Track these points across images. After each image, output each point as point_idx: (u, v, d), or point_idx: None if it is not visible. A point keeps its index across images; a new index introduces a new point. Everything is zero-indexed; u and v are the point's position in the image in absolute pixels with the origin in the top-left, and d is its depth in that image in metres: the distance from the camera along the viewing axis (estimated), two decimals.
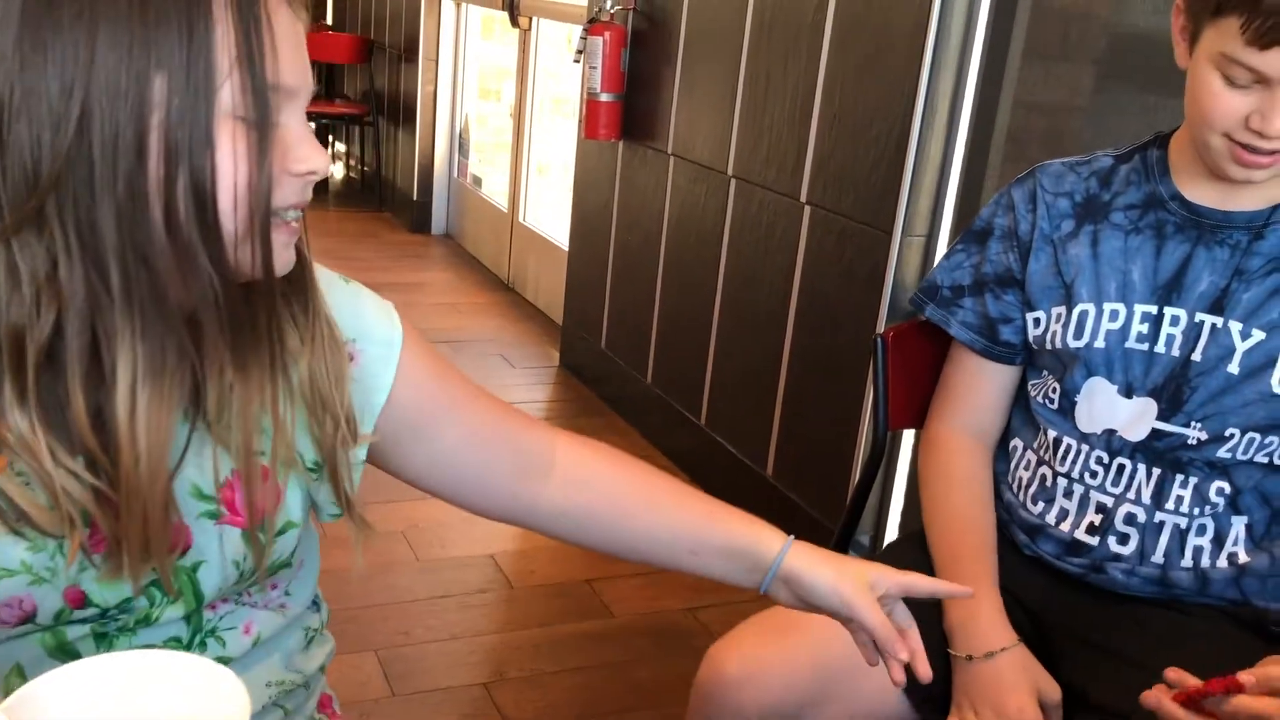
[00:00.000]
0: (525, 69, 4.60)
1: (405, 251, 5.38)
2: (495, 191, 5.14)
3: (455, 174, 5.59)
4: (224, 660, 0.81)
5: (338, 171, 6.98)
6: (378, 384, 0.86)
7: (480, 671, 2.14)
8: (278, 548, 0.81)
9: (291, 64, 0.69)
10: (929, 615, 1.21)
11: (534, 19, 4.42)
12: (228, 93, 0.66)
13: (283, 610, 0.87)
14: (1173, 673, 0.96)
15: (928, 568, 1.24)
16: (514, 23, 4.47)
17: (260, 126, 0.67)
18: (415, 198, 5.68)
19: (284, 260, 0.73)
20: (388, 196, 6.13)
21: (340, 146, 7.03)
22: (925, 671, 0.92)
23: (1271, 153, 1.06)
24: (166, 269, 0.67)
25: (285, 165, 0.70)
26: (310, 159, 0.71)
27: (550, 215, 4.54)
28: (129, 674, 0.63)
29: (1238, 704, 0.92)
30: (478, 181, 5.48)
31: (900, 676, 0.92)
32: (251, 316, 0.73)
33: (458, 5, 5.28)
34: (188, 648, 0.80)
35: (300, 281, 0.79)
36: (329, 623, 0.98)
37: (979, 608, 1.19)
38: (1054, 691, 1.16)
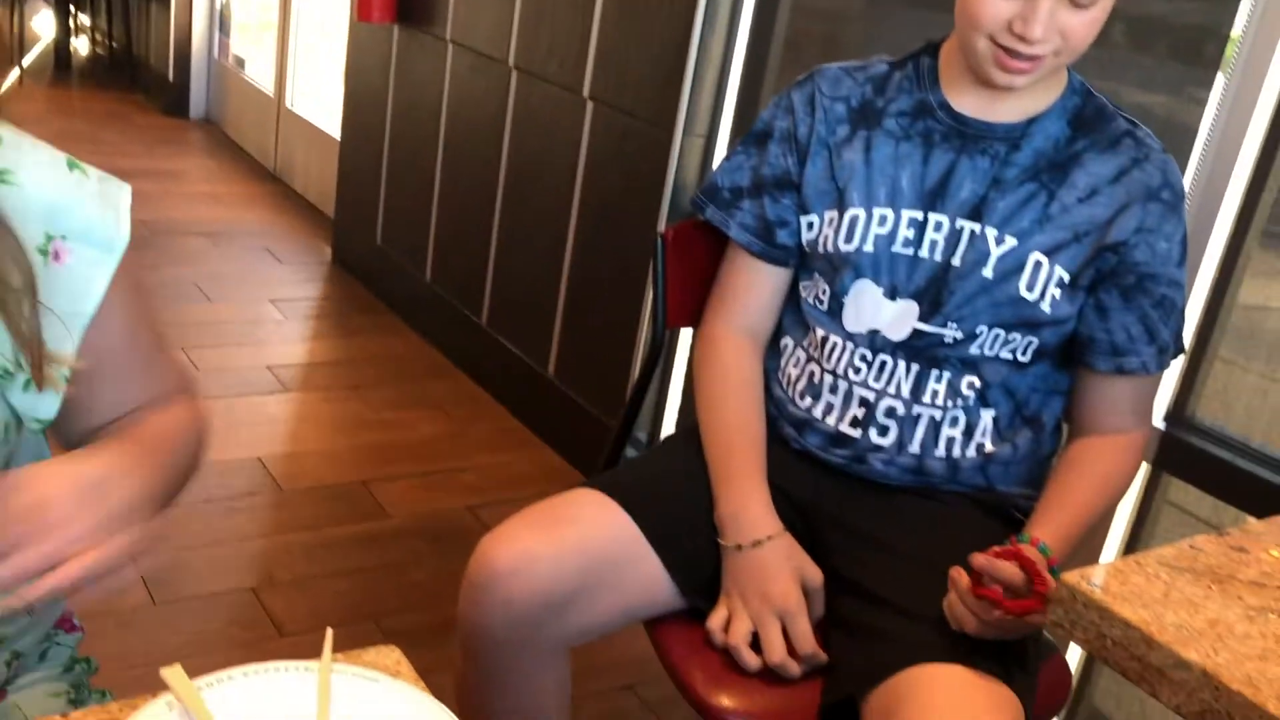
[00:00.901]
0: None
1: (160, 137, 5.01)
2: (260, 75, 4.83)
3: (216, 54, 5.21)
4: None
5: (82, 47, 6.38)
6: (88, 289, 0.77)
7: (248, 576, 2.07)
8: None
9: None
10: (704, 507, 1.25)
11: None
12: None
13: None
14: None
15: (701, 462, 1.27)
16: None
17: None
18: (171, 78, 5.27)
19: None
20: (140, 76, 5.66)
21: (84, 19, 6.41)
22: None
23: (1031, 58, 1.11)
24: None
25: None
26: None
27: (320, 102, 4.31)
28: None
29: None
30: (241, 63, 5.13)
31: None
32: None
33: None
34: None
35: None
36: None
37: (748, 500, 1.23)
38: (816, 576, 1.22)
